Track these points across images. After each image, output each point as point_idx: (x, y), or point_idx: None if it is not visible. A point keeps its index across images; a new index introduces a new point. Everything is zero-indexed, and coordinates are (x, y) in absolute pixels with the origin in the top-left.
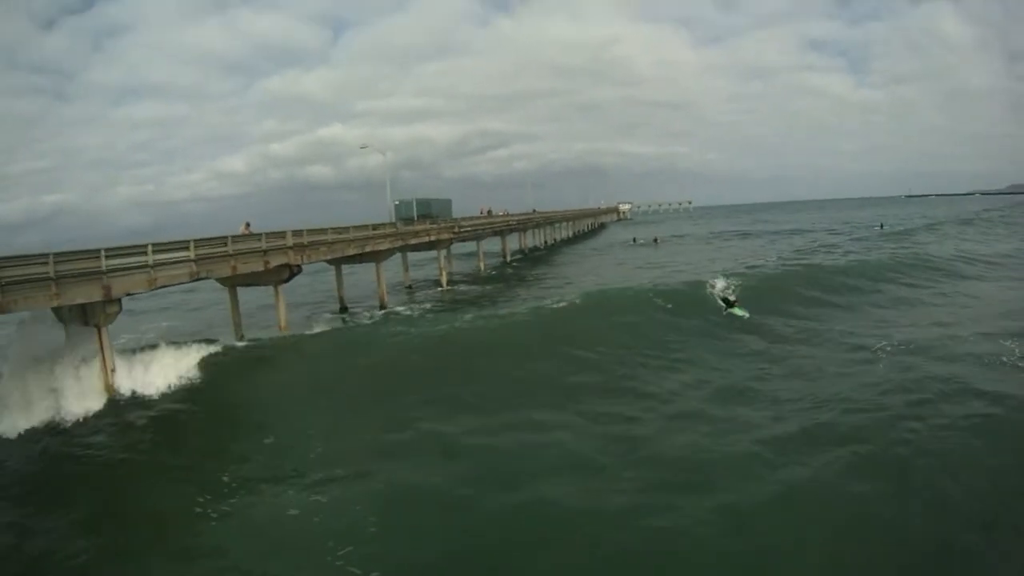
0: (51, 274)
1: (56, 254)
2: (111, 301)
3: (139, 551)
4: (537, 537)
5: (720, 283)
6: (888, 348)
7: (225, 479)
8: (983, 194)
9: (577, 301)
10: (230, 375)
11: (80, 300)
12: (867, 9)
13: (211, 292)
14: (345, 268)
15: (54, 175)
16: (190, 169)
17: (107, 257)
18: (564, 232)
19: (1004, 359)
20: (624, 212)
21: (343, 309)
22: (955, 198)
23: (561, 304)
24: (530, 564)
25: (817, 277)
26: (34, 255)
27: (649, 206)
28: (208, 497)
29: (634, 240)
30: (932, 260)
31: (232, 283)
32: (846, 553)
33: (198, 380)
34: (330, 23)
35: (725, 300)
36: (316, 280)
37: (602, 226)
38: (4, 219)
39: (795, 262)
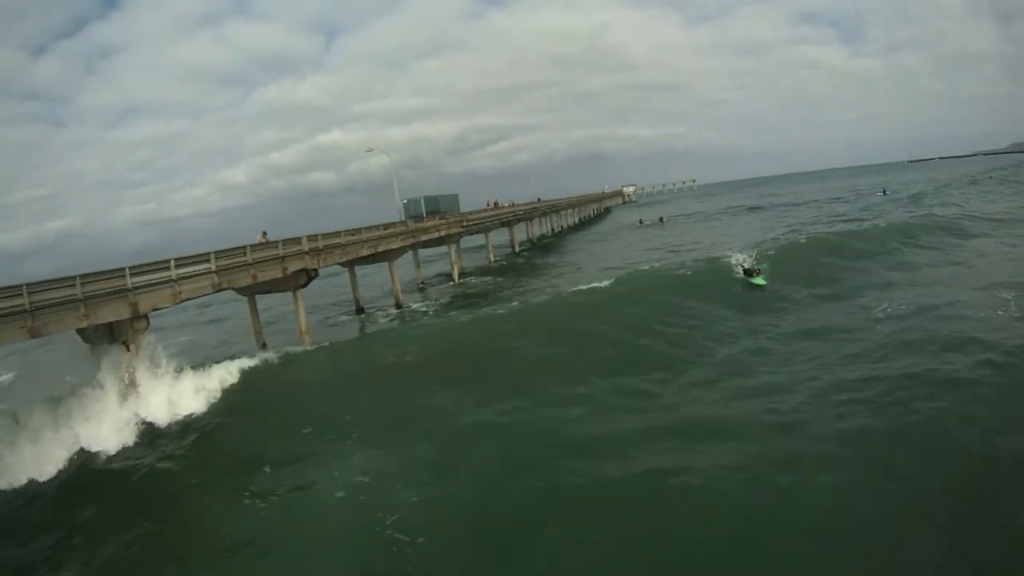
0: (79, 295)
1: (82, 275)
2: (138, 317)
3: (193, 550)
4: (566, 503)
5: (738, 256)
6: (894, 308)
7: (267, 471)
8: (986, 154)
9: (603, 284)
10: (260, 380)
11: (109, 319)
12: None
13: (223, 304)
14: (358, 269)
15: (56, 201)
16: (192, 185)
17: (132, 275)
18: (570, 219)
19: (1000, 312)
20: (629, 195)
21: (359, 310)
22: (958, 160)
23: (579, 287)
24: (561, 527)
25: (827, 244)
26: (61, 278)
27: (653, 187)
28: (254, 489)
29: (640, 222)
30: (938, 221)
31: (251, 292)
32: (857, 496)
33: (229, 388)
34: (323, 29)
35: (746, 270)
36: (328, 284)
37: (607, 210)
38: (7, 248)
39: (805, 232)
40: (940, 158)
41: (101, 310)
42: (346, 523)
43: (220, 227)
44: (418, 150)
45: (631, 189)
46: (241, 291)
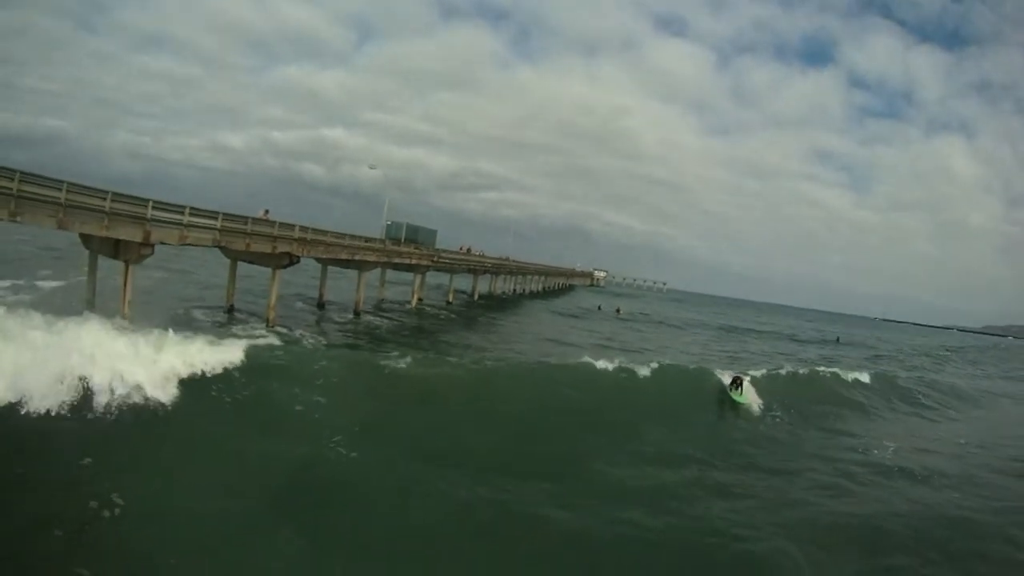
0: (107, 208)
1: (114, 193)
2: (146, 244)
3: (154, 414)
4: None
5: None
6: (814, 444)
7: (236, 375)
8: (960, 330)
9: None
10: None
11: (123, 237)
12: (880, 131)
13: (190, 259)
14: (331, 270)
15: (59, 101)
16: (189, 134)
17: (153, 208)
18: (534, 285)
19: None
20: (598, 279)
21: (320, 306)
22: (931, 330)
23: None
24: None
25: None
26: (97, 188)
27: (624, 279)
28: (221, 386)
29: (599, 308)
30: (890, 380)
31: (236, 257)
32: None
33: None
34: (358, 26)
35: (734, 379)
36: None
37: (571, 287)
38: (3, 129)
39: (765, 364)
40: (913, 323)
41: (118, 227)
42: (298, 427)
43: (204, 184)
44: (412, 174)
45: (602, 274)
46: (228, 254)
